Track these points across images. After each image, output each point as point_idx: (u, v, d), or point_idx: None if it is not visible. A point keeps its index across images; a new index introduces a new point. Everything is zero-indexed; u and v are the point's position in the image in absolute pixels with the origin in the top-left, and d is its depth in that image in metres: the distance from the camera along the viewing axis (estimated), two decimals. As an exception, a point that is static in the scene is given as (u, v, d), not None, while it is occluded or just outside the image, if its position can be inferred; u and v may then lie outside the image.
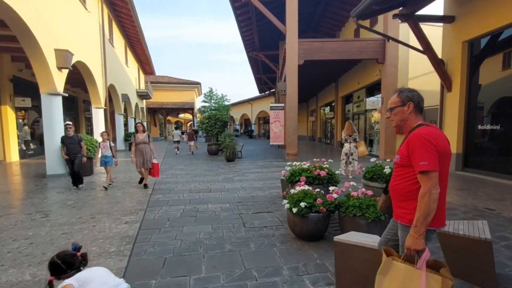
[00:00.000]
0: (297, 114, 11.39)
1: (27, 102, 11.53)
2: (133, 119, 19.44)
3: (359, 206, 3.14)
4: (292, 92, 11.22)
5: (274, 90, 29.78)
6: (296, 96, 11.28)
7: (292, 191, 3.70)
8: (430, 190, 1.40)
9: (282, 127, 12.24)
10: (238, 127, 41.70)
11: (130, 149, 16.39)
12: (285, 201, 3.52)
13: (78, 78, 11.03)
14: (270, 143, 12.54)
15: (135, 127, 6.46)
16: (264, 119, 40.45)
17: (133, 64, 20.50)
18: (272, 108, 12.22)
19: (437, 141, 1.46)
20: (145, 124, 25.52)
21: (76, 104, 18.18)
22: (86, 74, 10.62)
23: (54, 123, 7.39)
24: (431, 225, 1.46)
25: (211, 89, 29.09)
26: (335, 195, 3.48)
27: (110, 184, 6.34)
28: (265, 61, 19.11)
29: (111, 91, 14.73)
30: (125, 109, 19.26)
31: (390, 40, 10.62)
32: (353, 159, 7.22)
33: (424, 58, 8.02)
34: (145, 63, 23.40)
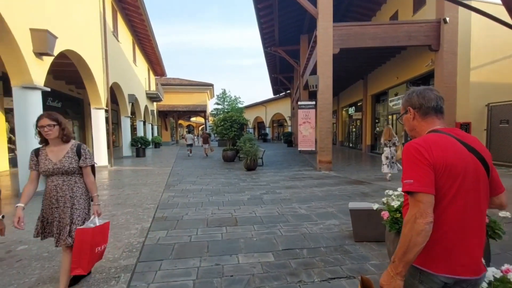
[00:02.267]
0: (331, 114, 9.28)
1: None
2: (142, 122, 17.74)
3: None
4: (325, 87, 9.12)
5: (289, 92, 27.75)
6: (330, 91, 9.18)
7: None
8: (414, 218, 1.04)
9: (312, 129, 10.13)
10: (251, 130, 39.78)
11: (138, 155, 14.73)
12: None
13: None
14: (299, 149, 10.44)
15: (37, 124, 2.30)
16: (278, 122, 38.38)
17: (142, 63, 18.88)
18: (301, 107, 10.14)
19: (433, 153, 1.07)
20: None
21: (82, 106, 16.65)
22: (82, 68, 8.86)
23: (30, 127, 5.56)
24: (419, 263, 1.12)
25: (224, 90, 27.28)
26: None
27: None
28: (284, 58, 17.10)
29: (116, 90, 13.03)
30: (133, 112, 17.61)
31: (447, 21, 8.46)
32: (393, 162, 7.19)
33: (490, 44, 5.78)
34: (155, 64, 21.80)
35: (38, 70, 5.84)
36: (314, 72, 10.27)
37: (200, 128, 63.67)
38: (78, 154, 2.28)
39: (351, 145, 20.01)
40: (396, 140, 7.29)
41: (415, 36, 9.07)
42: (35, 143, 5.68)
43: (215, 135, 15.07)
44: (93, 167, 2.40)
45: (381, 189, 6.17)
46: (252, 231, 3.64)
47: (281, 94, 30.84)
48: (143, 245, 3.22)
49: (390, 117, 13.20)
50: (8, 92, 9.60)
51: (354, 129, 19.64)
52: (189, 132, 59.66)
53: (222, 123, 12.56)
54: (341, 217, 4.20)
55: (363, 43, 9.12)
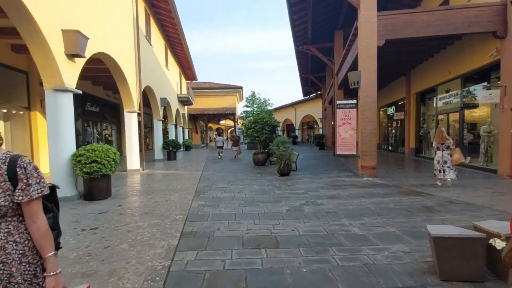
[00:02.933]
0: (376, 113, 8.23)
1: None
2: (173, 126, 17.81)
3: None
4: (368, 83, 8.12)
5: (320, 92, 26.56)
6: (374, 88, 8.16)
7: None
8: None
9: (353, 131, 9.13)
10: (280, 133, 38.97)
11: (169, 158, 14.69)
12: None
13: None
14: (337, 153, 9.49)
15: None
16: (308, 124, 37.13)
17: (174, 68, 19.05)
18: (339, 106, 9.19)
19: None
20: (186, 131, 24.13)
21: (118, 111, 17.10)
22: (115, 71, 8.80)
23: (62, 130, 5.39)
24: None
25: (254, 93, 26.79)
26: None
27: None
28: (316, 56, 16.13)
29: (148, 94, 13.07)
30: (165, 116, 17.76)
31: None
32: (447, 167, 6.47)
33: None
34: (186, 68, 22.00)
35: (70, 73, 5.67)
36: (353, 68, 9.29)
37: (229, 131, 64.26)
38: (12, 176, 1.15)
39: (390, 148, 18.39)
40: (451, 143, 6.60)
41: (476, 22, 7.75)
42: (67, 146, 5.49)
43: (245, 138, 14.53)
44: (55, 201, 1.38)
45: (446, 202, 5.10)
46: (298, 257, 2.91)
47: (311, 95, 29.69)
48: (169, 271, 2.64)
49: (440, 117, 11.68)
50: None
51: (393, 131, 18.01)
52: (219, 135, 60.57)
53: (253, 125, 11.97)
54: (409, 241, 3.31)
55: (413, 33, 8.00)
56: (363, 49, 8.09)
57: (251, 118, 12.86)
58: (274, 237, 3.48)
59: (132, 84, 9.72)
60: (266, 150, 12.36)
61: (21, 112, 9.10)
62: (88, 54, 6.25)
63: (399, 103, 16.25)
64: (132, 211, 4.70)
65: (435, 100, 12.16)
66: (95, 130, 14.34)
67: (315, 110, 28.95)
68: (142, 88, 10.69)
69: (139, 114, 10.27)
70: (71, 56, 5.60)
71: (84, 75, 11.21)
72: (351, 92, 15.40)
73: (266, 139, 11.77)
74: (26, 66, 8.89)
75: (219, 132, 60.29)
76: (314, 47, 15.12)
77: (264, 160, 12.01)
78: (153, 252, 3.04)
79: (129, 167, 9.74)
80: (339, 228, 3.81)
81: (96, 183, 5.41)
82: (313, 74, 21.93)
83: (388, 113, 18.07)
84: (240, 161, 13.60)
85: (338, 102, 9.35)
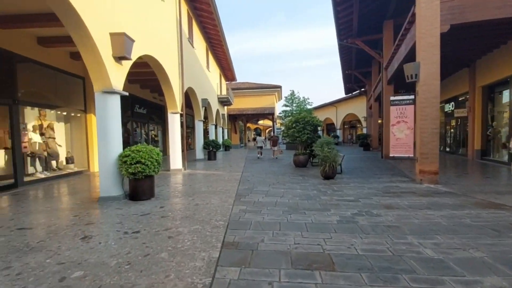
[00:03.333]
0: (438, 110, 7.12)
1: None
2: (213, 126, 18.06)
3: None
4: (429, 76, 7.06)
5: (365, 89, 24.85)
6: (436, 81, 7.07)
7: None
8: None
9: (410, 130, 8.08)
10: (320, 133, 37.58)
11: (209, 158, 14.90)
12: None
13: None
14: (391, 155, 8.51)
15: None
16: (349, 123, 35.16)
17: (214, 69, 19.33)
18: (394, 103, 8.21)
19: None
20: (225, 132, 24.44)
21: (164, 113, 17.81)
22: (160, 74, 9.00)
23: (110, 131, 5.52)
24: None
25: (293, 92, 26.15)
26: None
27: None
28: (361, 50, 14.94)
29: (190, 95, 13.33)
30: (206, 116, 18.08)
31: None
32: None
33: None
34: (226, 69, 22.23)
35: (117, 75, 5.80)
36: (408, 59, 8.23)
37: (267, 131, 64.06)
38: None
39: (448, 149, 16.31)
40: None
41: None
42: (114, 147, 5.58)
43: (285, 138, 14.03)
44: None
45: (544, 219, 4.04)
46: (362, 287, 2.38)
47: (354, 93, 27.97)
48: (209, 292, 2.32)
49: (517, 113, 9.86)
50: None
51: (452, 130, 15.93)
52: (258, 135, 60.82)
53: (294, 125, 11.43)
54: (506, 273, 2.55)
55: (485, 15, 6.75)
56: (423, 37, 7.05)
57: (292, 117, 12.32)
58: (327, 256, 2.98)
59: (175, 85, 9.88)
60: (308, 151, 11.74)
61: (79, 115, 9.82)
62: (134, 56, 6.37)
63: (460, 99, 14.27)
64: (173, 214, 4.56)
65: (508, 94, 10.32)
66: (143, 131, 15.13)
67: (358, 108, 27.20)
68: (185, 89, 10.85)
69: (181, 115, 10.44)
70: (118, 58, 5.71)
71: (133, 79, 11.80)
72: (403, 87, 13.95)
73: (307, 140, 11.15)
74: (82, 71, 9.55)
75: (258, 132, 60.45)
76: (360, 40, 13.98)
77: (306, 162, 11.40)
78: (193, 265, 2.76)
79: (172, 166, 9.94)
80: (406, 248, 3.15)
81: (140, 184, 5.43)
82: (357, 69, 20.50)
83: (446, 110, 16.02)
84: (279, 162, 13.15)
85: (392, 98, 8.36)
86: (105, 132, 5.49)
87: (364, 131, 26.40)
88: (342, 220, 4.20)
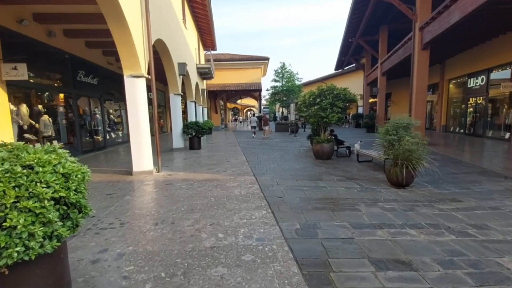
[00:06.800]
0: None
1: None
2: (193, 103, 13.76)
3: None
4: None
5: (363, 63, 21.75)
6: None
7: None
8: None
9: None
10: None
11: (192, 147, 9.55)
12: None
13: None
14: None
15: None
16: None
17: (192, 29, 14.65)
18: None
19: None
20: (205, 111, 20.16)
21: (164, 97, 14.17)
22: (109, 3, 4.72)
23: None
24: None
25: (283, 64, 22.19)
26: None
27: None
28: (374, 12, 11.40)
29: (161, 55, 8.96)
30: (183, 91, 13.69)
31: None
32: None
33: None
34: (205, 32, 17.50)
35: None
36: None
37: (244, 110, 59.61)
38: None
39: (467, 131, 13.89)
40: None
41: None
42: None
43: (302, 118, 10.45)
44: None
45: None
46: None
47: (350, 67, 24.82)
48: None
49: None
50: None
51: (473, 110, 13.40)
52: (236, 114, 56.34)
53: (317, 100, 7.82)
54: None
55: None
56: None
57: (313, 90, 8.63)
58: None
59: (135, 30, 5.63)
60: (332, 137, 8.34)
61: None
62: None
63: (481, 76, 11.59)
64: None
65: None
66: (97, 110, 10.43)
67: (354, 84, 24.11)
68: (152, 42, 6.58)
69: (149, 81, 6.23)
70: None
71: (75, 30, 7.01)
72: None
73: (338, 121, 7.67)
74: None
75: (235, 111, 56.05)
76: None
77: (331, 152, 8.01)
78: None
79: (135, 167, 5.87)
80: None
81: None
82: (364, 37, 17.12)
83: (469, 87, 13.37)
84: (286, 151, 9.60)
85: None
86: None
87: (360, 110, 23.70)
88: None
